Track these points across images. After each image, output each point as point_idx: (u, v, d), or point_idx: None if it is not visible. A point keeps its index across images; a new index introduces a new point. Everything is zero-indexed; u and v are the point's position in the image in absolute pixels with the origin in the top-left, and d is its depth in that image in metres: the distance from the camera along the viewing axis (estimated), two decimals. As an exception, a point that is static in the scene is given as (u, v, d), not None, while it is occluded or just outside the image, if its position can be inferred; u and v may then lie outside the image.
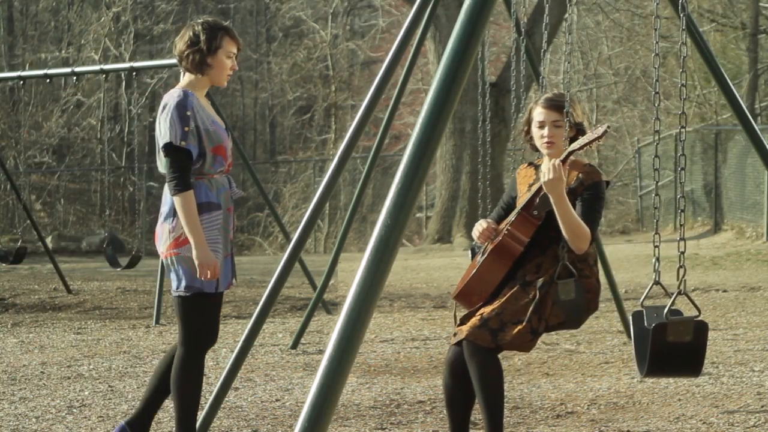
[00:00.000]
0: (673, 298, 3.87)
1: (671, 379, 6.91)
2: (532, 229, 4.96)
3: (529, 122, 5.13)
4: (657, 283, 4.08)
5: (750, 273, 14.69)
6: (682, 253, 3.85)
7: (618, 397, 6.66)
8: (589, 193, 4.96)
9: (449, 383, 5.06)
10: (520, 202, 5.06)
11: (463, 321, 4.99)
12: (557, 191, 4.83)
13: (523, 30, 8.20)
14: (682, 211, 3.99)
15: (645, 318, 4.10)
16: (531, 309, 4.86)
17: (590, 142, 4.84)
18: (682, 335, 3.94)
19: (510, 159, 22.96)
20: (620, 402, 6.51)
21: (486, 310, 4.93)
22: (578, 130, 5.00)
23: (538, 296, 4.87)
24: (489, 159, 8.93)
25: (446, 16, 20.24)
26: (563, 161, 4.86)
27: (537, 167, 5.16)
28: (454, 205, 21.83)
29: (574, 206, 4.92)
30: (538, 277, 4.92)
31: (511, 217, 5.05)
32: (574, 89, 27.34)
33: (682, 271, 3.84)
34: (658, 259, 4.07)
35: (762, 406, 6.25)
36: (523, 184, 5.17)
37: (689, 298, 3.86)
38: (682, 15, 4.05)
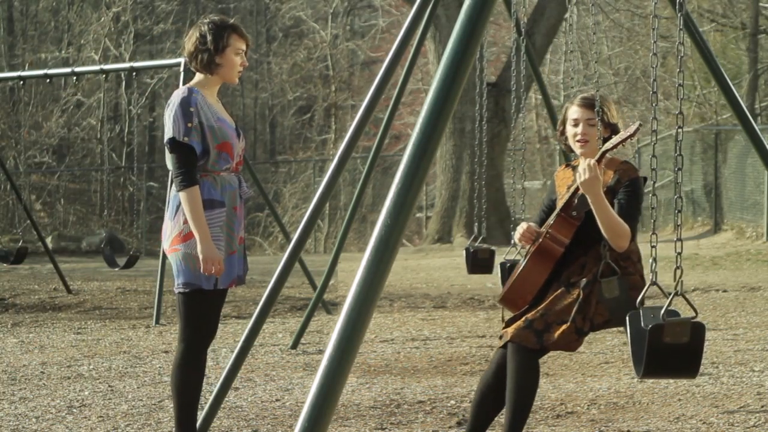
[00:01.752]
0: (670, 299, 3.87)
1: (670, 380, 6.91)
2: (572, 229, 4.98)
3: (564, 122, 5.18)
4: (654, 283, 4.08)
5: (750, 273, 14.69)
6: (679, 253, 3.85)
7: (618, 397, 6.66)
8: (627, 191, 4.99)
9: (490, 383, 5.03)
10: (560, 204, 5.08)
11: (509, 323, 5.00)
12: (594, 190, 4.85)
13: (523, 30, 8.21)
14: (680, 211, 3.99)
15: (642, 319, 4.09)
16: (575, 309, 4.87)
17: (623, 141, 4.86)
18: (679, 336, 3.93)
19: (510, 159, 22.97)
20: (620, 402, 6.51)
21: (531, 311, 4.95)
22: (612, 130, 5.04)
23: (581, 296, 4.88)
24: (486, 159, 8.93)
25: (446, 16, 20.24)
26: (598, 161, 4.89)
27: (574, 168, 5.18)
28: (454, 205, 21.84)
29: (612, 204, 4.94)
30: (582, 278, 4.94)
31: (551, 219, 5.07)
32: (574, 89, 27.33)
33: (679, 271, 3.84)
34: (655, 260, 4.07)
35: (762, 406, 6.26)
36: (561, 186, 5.19)
37: (686, 299, 3.86)
38: (680, 14, 4.05)
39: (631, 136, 4.83)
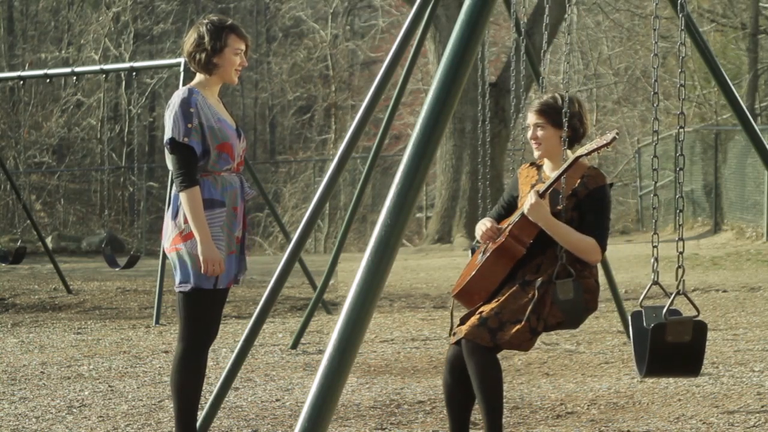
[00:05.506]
0: (671, 298, 3.87)
1: (671, 379, 6.91)
2: (535, 231, 4.99)
3: None
4: (656, 283, 4.08)
5: (750, 273, 14.69)
6: (681, 253, 3.85)
7: (618, 397, 6.66)
8: (594, 201, 4.99)
9: (449, 382, 5.09)
10: (522, 203, 5.08)
11: (463, 320, 5.02)
12: (541, 216, 4.92)
13: (523, 30, 8.20)
14: (681, 211, 3.99)
15: (644, 318, 4.10)
16: (530, 308, 4.89)
17: (598, 149, 4.86)
18: (681, 335, 3.94)
19: (510, 159, 22.95)
20: (620, 402, 6.51)
21: (485, 309, 4.96)
22: (573, 130, 5.04)
23: (536, 296, 4.90)
24: (489, 159, 8.94)
25: (446, 16, 20.23)
26: (570, 166, 4.90)
27: (539, 167, 5.23)
28: (454, 205, 21.83)
29: (576, 209, 4.96)
30: (538, 277, 4.95)
31: (514, 218, 5.07)
32: (574, 89, 27.34)
33: (680, 271, 3.84)
34: (656, 259, 4.07)
35: (762, 406, 6.25)
36: (525, 185, 5.21)
37: (688, 298, 3.87)
38: (681, 15, 4.05)
39: (606, 144, 4.83)
